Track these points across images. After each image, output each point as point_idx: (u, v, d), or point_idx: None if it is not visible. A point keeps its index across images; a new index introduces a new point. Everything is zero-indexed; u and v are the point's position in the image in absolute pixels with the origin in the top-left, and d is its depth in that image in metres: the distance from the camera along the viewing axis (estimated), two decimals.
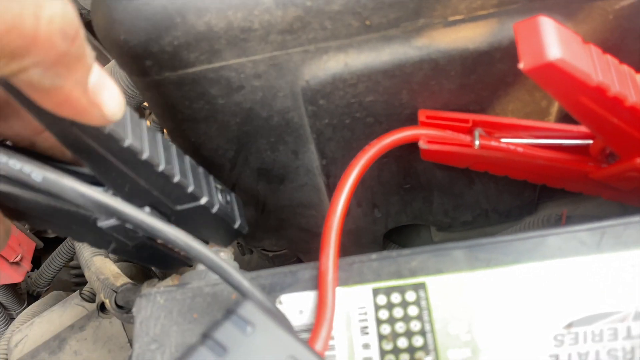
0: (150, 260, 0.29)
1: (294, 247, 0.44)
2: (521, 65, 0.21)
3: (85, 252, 0.40)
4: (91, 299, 0.52)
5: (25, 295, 0.70)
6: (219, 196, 0.28)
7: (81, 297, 0.52)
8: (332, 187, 0.36)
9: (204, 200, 0.26)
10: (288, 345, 0.16)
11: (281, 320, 0.17)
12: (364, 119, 0.29)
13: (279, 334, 0.16)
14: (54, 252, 0.70)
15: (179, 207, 0.26)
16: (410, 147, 0.31)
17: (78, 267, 0.78)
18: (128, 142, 0.21)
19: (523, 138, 0.29)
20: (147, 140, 0.23)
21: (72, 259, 0.71)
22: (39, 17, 0.14)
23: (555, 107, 0.30)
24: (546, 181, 0.30)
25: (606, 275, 0.22)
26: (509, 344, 0.22)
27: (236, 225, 0.29)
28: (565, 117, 0.31)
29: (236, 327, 0.16)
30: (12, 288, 0.67)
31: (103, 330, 0.44)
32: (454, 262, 0.24)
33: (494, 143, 0.28)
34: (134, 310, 0.26)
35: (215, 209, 0.27)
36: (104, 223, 0.23)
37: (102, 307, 0.41)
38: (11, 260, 0.56)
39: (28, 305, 0.69)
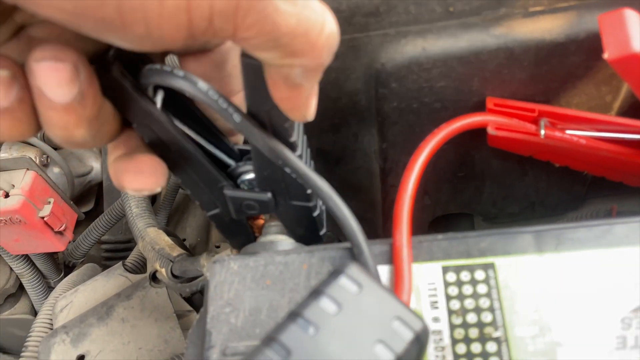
0: (231, 235, 0.31)
1: (337, 229, 0.45)
2: (606, 56, 0.22)
3: (139, 223, 0.42)
4: (134, 270, 0.54)
5: (62, 265, 0.72)
6: (320, 202, 0.29)
7: (124, 268, 0.54)
8: (387, 172, 0.37)
9: (312, 203, 0.28)
10: (393, 306, 0.17)
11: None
12: (432, 104, 0.30)
13: (384, 295, 0.17)
14: (90, 225, 0.72)
15: (293, 203, 0.27)
16: (471, 135, 0.31)
17: (108, 242, 0.79)
18: (293, 138, 0.23)
19: (586, 130, 0.30)
20: (300, 139, 0.25)
21: (104, 234, 0.73)
22: (323, 31, 0.17)
23: (618, 102, 0.31)
24: (606, 173, 0.31)
25: None
26: (576, 325, 0.23)
27: (322, 232, 0.31)
28: (625, 113, 0.31)
29: (347, 284, 0.17)
30: (51, 257, 0.69)
31: (149, 300, 0.45)
32: (522, 245, 0.25)
33: (558, 134, 0.29)
34: (207, 274, 0.27)
35: (315, 213, 0.29)
36: (229, 192, 0.25)
37: (153, 277, 0.42)
38: (56, 229, 0.58)
39: (65, 275, 0.71)
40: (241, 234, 0.32)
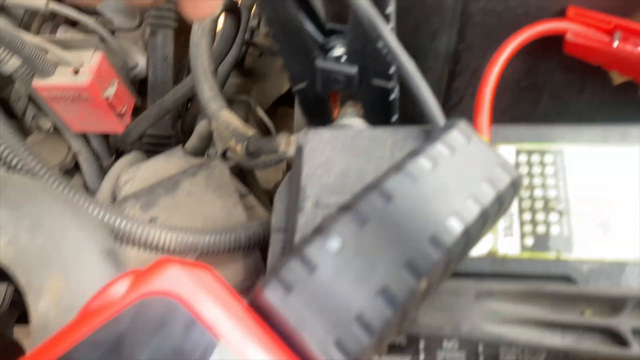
0: (311, 113, 0.34)
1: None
2: None
3: (213, 105, 0.45)
4: (193, 153, 0.58)
5: (113, 149, 0.76)
6: (396, 88, 0.32)
7: (184, 150, 0.58)
8: (456, 75, 0.39)
9: (391, 85, 0.30)
10: (495, 156, 0.20)
11: None
12: (516, 8, 0.32)
13: (488, 148, 0.20)
14: (140, 115, 0.75)
15: (374, 82, 0.30)
16: (543, 45, 0.34)
17: (151, 135, 0.83)
18: (389, 10, 0.25)
19: None
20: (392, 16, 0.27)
21: (151, 126, 0.76)
22: None
23: None
24: None
25: None
26: (628, 205, 0.26)
27: (393, 119, 0.34)
28: None
29: (458, 136, 0.20)
30: (106, 140, 0.73)
31: (213, 178, 0.49)
32: (589, 137, 0.28)
33: (629, 47, 0.32)
34: (300, 141, 0.31)
35: (392, 97, 0.31)
36: (320, 62, 0.28)
37: (223, 154, 0.46)
38: (117, 111, 0.61)
39: (115, 160, 0.76)
40: (320, 114, 0.35)
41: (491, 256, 0.26)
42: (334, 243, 0.19)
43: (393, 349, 0.25)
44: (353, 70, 0.30)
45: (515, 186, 0.21)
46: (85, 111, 0.60)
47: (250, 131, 0.41)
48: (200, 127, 0.60)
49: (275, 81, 0.97)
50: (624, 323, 0.22)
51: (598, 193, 0.27)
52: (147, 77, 0.83)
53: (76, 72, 0.57)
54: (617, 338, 0.22)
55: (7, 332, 0.66)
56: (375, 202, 0.19)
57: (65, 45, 0.57)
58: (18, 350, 0.68)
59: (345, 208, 0.20)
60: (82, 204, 0.34)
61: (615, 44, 0.31)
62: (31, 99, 0.69)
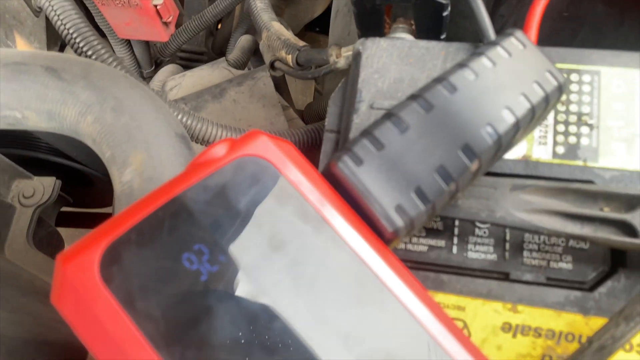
0: (365, 26, 0.36)
1: None
2: None
3: (264, 16, 0.47)
4: (236, 65, 0.61)
5: (153, 59, 0.79)
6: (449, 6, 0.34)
7: (227, 62, 0.61)
8: (502, 1, 0.41)
9: (446, 1, 0.32)
10: (547, 62, 0.23)
11: None
12: None
13: (541, 54, 0.23)
14: (179, 28, 0.77)
15: None
16: None
17: (186, 50, 0.85)
18: None
19: None
20: None
21: (188, 40, 0.79)
22: None
23: None
24: None
25: None
26: None
27: (442, 36, 0.36)
28: None
29: (515, 42, 0.23)
30: (148, 49, 0.76)
31: (258, 89, 0.52)
32: (626, 61, 0.31)
33: None
34: (359, 48, 0.33)
35: (444, 13, 0.33)
36: None
37: (272, 65, 0.49)
38: (163, 19, 0.64)
39: (156, 70, 0.78)
40: (374, 27, 0.38)
41: (525, 159, 0.29)
42: (401, 126, 0.23)
43: (431, 232, 0.29)
44: None
45: (560, 90, 0.24)
46: (133, 17, 0.63)
47: (301, 42, 0.44)
48: (243, 40, 0.62)
49: (308, 5, 0.97)
50: (636, 218, 0.25)
51: (627, 113, 0.30)
52: None
53: None
54: (629, 230, 0.25)
55: (50, 222, 0.72)
56: (441, 92, 0.22)
57: None
58: (57, 238, 0.74)
59: (413, 97, 0.23)
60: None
61: None
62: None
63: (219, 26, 0.91)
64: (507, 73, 0.23)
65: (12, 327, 0.31)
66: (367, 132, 0.23)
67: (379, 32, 0.38)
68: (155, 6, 0.61)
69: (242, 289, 0.19)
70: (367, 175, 0.22)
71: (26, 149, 0.72)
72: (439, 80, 0.23)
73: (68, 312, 0.18)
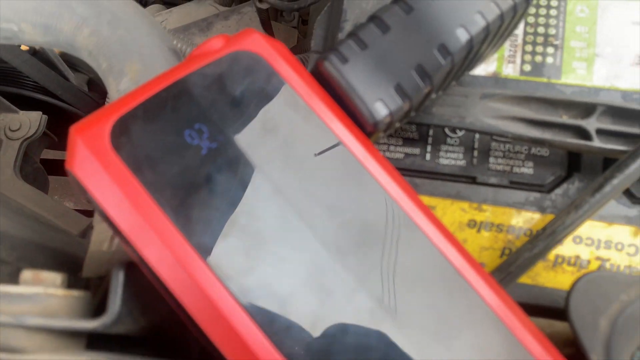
0: None
1: None
2: None
3: None
4: (222, 3, 0.62)
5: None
6: None
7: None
8: None
9: None
10: None
11: None
12: None
13: None
14: None
15: None
16: None
17: None
18: None
19: None
20: None
21: None
22: None
23: None
24: None
25: None
26: (612, 49, 0.32)
27: None
28: None
29: None
30: None
31: (244, 23, 0.53)
32: None
33: None
34: None
35: None
36: None
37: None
38: None
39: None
40: None
41: (495, 76, 0.32)
42: (383, 27, 0.25)
43: (407, 141, 0.32)
44: None
45: (515, 9, 0.26)
46: None
47: None
48: None
49: None
50: (591, 124, 0.28)
51: (589, 35, 0.32)
52: None
53: None
54: (584, 135, 0.28)
55: (35, 158, 0.73)
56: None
57: None
58: (43, 175, 0.75)
59: (395, 1, 0.25)
60: None
61: None
62: None
63: None
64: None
65: (13, 226, 0.33)
66: (352, 34, 0.25)
67: None
68: None
69: (238, 162, 0.22)
70: (351, 72, 0.25)
71: (12, 86, 0.73)
72: None
73: (82, 176, 0.21)
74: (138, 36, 0.34)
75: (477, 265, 0.22)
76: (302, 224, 0.21)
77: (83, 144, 0.21)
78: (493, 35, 0.26)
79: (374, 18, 0.25)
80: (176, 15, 0.60)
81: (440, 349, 0.20)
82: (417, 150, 0.32)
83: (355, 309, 0.20)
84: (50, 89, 0.74)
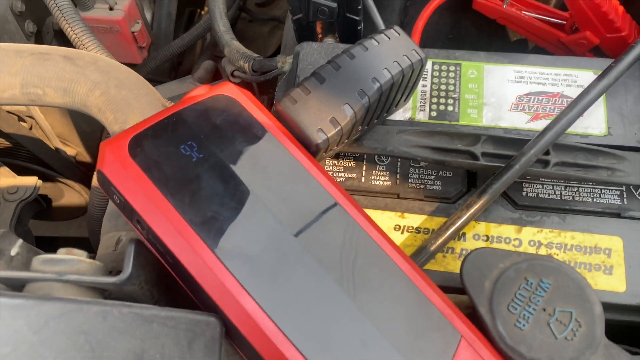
0: (302, 37, 0.49)
1: None
2: None
3: (226, 36, 0.60)
4: (200, 82, 0.73)
5: None
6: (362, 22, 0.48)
7: (193, 79, 0.73)
8: (404, 25, 0.56)
9: (359, 18, 0.46)
10: (412, 45, 0.37)
11: None
12: None
13: (409, 41, 0.37)
14: (151, 55, 0.89)
15: (347, 15, 0.46)
16: (463, 6, 0.51)
17: (152, 80, 0.97)
18: None
19: (533, 12, 0.50)
20: None
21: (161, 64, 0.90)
22: None
23: (554, 0, 0.51)
24: (535, 40, 0.51)
25: None
26: (495, 103, 0.43)
27: None
28: (561, 7, 0.51)
29: (394, 32, 0.37)
30: None
31: None
32: (478, 58, 0.45)
33: (514, 9, 0.49)
34: (298, 49, 0.46)
35: (359, 27, 0.47)
36: None
37: (232, 74, 0.61)
38: (139, 44, 0.76)
39: None
40: (309, 39, 0.51)
41: (410, 120, 0.43)
42: (320, 78, 0.35)
43: (347, 169, 0.42)
44: (334, 5, 0.46)
45: (421, 62, 0.37)
46: (113, 42, 0.75)
47: (255, 54, 0.57)
48: (206, 63, 0.75)
49: (261, 45, 1.12)
50: (477, 149, 0.39)
51: (477, 90, 0.44)
52: (152, 29, 0.97)
53: (111, 9, 0.71)
54: (473, 156, 0.39)
55: (26, 221, 0.80)
56: (345, 58, 0.35)
57: None
58: (31, 237, 0.82)
59: (328, 62, 0.36)
60: None
61: (505, 5, 0.48)
62: (56, 35, 0.82)
63: (181, 62, 1.04)
64: (386, 48, 0.36)
65: None
66: (299, 84, 0.36)
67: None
68: (133, 33, 0.73)
69: (218, 166, 0.31)
70: (299, 110, 0.35)
71: (9, 157, 0.81)
72: (344, 51, 0.36)
73: (109, 173, 0.29)
74: (139, 96, 0.44)
75: (394, 244, 0.31)
76: (262, 205, 0.30)
77: (110, 152, 0.30)
78: (398, 84, 0.37)
79: (314, 73, 0.36)
80: (161, 91, 0.71)
81: (372, 298, 0.29)
82: (354, 175, 0.41)
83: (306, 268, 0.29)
84: (44, 160, 0.83)
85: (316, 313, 0.28)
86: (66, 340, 0.26)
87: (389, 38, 0.37)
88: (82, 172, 0.89)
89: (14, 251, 0.30)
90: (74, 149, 0.91)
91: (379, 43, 0.36)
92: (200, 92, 0.34)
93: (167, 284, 0.32)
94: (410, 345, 0.29)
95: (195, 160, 0.31)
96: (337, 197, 0.32)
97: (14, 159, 0.82)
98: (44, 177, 0.85)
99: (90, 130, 0.86)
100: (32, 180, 0.75)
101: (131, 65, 0.88)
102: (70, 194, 0.93)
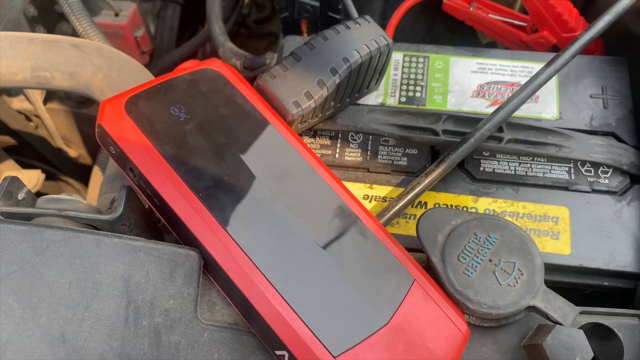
0: (290, 32, 0.54)
1: None
2: None
3: (221, 37, 0.65)
4: None
5: None
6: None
7: None
8: (384, 27, 0.61)
9: (340, 17, 0.52)
10: (380, 31, 0.41)
11: None
12: None
13: (377, 27, 0.41)
14: (152, 64, 0.95)
15: (329, 13, 0.51)
16: (435, 11, 0.56)
17: None
18: None
19: (498, 15, 0.55)
20: None
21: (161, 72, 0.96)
22: None
23: (518, 4, 0.56)
24: (501, 40, 0.56)
25: None
26: (463, 95, 0.48)
27: None
28: (521, 10, 0.56)
29: (364, 20, 0.42)
30: None
31: None
32: (444, 51, 0.50)
33: (481, 12, 0.54)
34: (283, 42, 0.51)
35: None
36: None
37: None
38: (141, 49, 0.81)
39: None
40: (296, 33, 0.56)
41: (381, 105, 0.47)
42: (297, 57, 0.40)
43: (322, 146, 0.46)
44: (317, 4, 0.52)
45: (388, 47, 0.42)
46: (117, 46, 0.79)
47: (246, 53, 0.62)
48: None
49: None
50: (439, 126, 0.43)
51: (443, 79, 0.48)
52: (154, 41, 1.02)
53: (116, 15, 0.77)
54: (435, 133, 0.43)
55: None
56: (319, 39, 0.40)
57: None
58: None
59: (305, 43, 0.40)
60: None
61: (471, 8, 0.53)
62: None
63: None
64: (356, 33, 0.41)
65: None
66: (277, 62, 0.40)
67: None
68: (136, 38, 0.79)
69: (201, 127, 0.35)
70: (277, 85, 0.39)
71: (15, 154, 0.86)
72: (319, 34, 0.41)
73: (107, 126, 0.34)
74: (139, 79, 0.48)
75: (358, 202, 0.35)
76: (239, 158, 0.34)
77: (109, 109, 0.34)
78: (367, 66, 0.41)
79: (292, 53, 0.40)
80: None
81: (336, 243, 0.33)
82: (329, 152, 0.46)
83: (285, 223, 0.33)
84: (47, 157, 0.87)
85: (284, 248, 0.32)
86: (64, 262, 0.30)
87: (360, 25, 0.42)
88: (82, 172, 0.93)
89: (20, 196, 0.34)
90: (76, 150, 0.96)
91: (350, 28, 0.41)
92: (189, 65, 0.39)
93: (154, 234, 0.36)
94: (368, 283, 0.33)
95: (183, 120, 0.35)
96: (307, 158, 0.36)
97: (19, 156, 0.86)
98: (46, 175, 0.90)
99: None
100: (35, 174, 0.79)
101: None
102: (70, 192, 0.97)
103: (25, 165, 0.86)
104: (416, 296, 0.34)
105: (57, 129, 0.91)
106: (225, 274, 0.31)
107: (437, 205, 0.43)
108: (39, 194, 0.84)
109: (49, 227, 0.30)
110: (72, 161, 0.92)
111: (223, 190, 0.33)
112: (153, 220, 0.37)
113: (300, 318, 0.30)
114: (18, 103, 0.81)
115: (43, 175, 0.79)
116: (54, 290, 0.30)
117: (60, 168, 0.90)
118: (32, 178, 0.78)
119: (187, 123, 0.35)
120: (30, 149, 0.86)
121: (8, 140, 0.85)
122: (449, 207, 0.43)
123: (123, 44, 0.79)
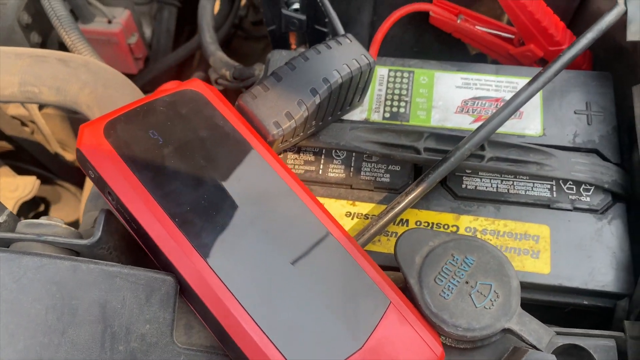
0: (278, 47, 0.55)
1: None
2: None
3: (212, 47, 0.65)
4: None
5: None
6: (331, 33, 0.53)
7: None
8: (370, 38, 0.61)
9: (327, 30, 0.52)
10: (362, 51, 0.41)
11: None
12: None
13: (360, 46, 0.42)
14: (148, 67, 0.95)
15: (315, 26, 0.51)
16: (423, 21, 0.56)
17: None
18: None
19: (485, 27, 0.55)
20: None
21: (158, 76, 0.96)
22: None
23: (506, 16, 0.56)
24: (488, 52, 0.56)
25: None
26: (443, 104, 0.48)
27: None
28: (509, 22, 0.56)
29: (347, 39, 0.42)
30: None
31: None
32: (429, 66, 0.50)
33: (467, 25, 0.54)
34: (269, 56, 0.51)
35: (328, 38, 0.53)
36: (284, 11, 0.49)
37: (215, 81, 0.66)
38: (135, 56, 0.81)
39: None
40: (284, 48, 0.57)
41: (366, 120, 0.47)
42: (278, 77, 0.40)
43: (306, 162, 0.46)
44: (303, 17, 0.52)
45: (369, 66, 0.42)
46: (111, 53, 0.80)
47: (235, 63, 0.62)
48: (197, 75, 0.80)
49: (256, 61, 1.17)
50: (420, 144, 0.43)
51: (427, 94, 0.48)
52: (151, 44, 1.03)
53: (109, 22, 0.77)
54: (417, 151, 0.43)
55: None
56: (300, 60, 0.40)
57: (104, 1, 0.77)
58: None
59: (286, 63, 0.41)
60: None
61: (459, 21, 0.53)
62: (60, 47, 0.88)
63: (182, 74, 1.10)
64: (337, 53, 0.41)
65: None
66: (259, 82, 0.40)
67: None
68: (130, 44, 0.79)
69: (180, 151, 0.35)
70: (257, 105, 0.40)
71: (10, 159, 0.86)
72: (300, 54, 0.41)
73: (85, 152, 0.34)
74: (124, 95, 0.49)
75: (336, 222, 0.36)
76: (217, 182, 0.34)
77: (88, 133, 0.35)
78: (347, 85, 0.41)
79: (273, 73, 0.41)
80: None
81: (311, 266, 0.33)
82: (313, 168, 0.46)
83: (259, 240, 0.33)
84: (43, 162, 0.88)
85: (259, 274, 0.32)
86: (41, 289, 0.31)
87: (341, 44, 0.42)
88: (78, 176, 0.94)
89: (2, 218, 0.35)
90: (72, 154, 0.96)
91: (331, 48, 0.41)
92: (170, 87, 0.39)
93: (134, 255, 0.37)
94: (344, 307, 0.33)
95: (162, 143, 0.35)
96: (287, 180, 0.37)
97: (15, 161, 0.87)
98: (42, 180, 0.90)
99: None
100: (31, 180, 0.80)
101: (128, 75, 0.94)
102: (67, 196, 0.98)
103: (21, 171, 0.87)
104: (391, 319, 0.34)
105: (53, 134, 0.91)
106: (200, 300, 0.32)
107: (418, 223, 0.43)
108: (34, 200, 0.84)
109: (26, 253, 0.31)
110: (68, 165, 0.92)
111: (200, 215, 0.33)
112: (134, 242, 0.38)
113: (274, 345, 0.30)
114: (13, 109, 0.82)
115: (38, 182, 0.80)
116: (31, 317, 0.30)
117: (57, 172, 0.91)
118: (28, 184, 0.78)
119: (165, 146, 0.35)
120: (26, 154, 0.87)
121: (4, 145, 0.85)
122: (431, 225, 0.43)
123: (116, 51, 0.79)
